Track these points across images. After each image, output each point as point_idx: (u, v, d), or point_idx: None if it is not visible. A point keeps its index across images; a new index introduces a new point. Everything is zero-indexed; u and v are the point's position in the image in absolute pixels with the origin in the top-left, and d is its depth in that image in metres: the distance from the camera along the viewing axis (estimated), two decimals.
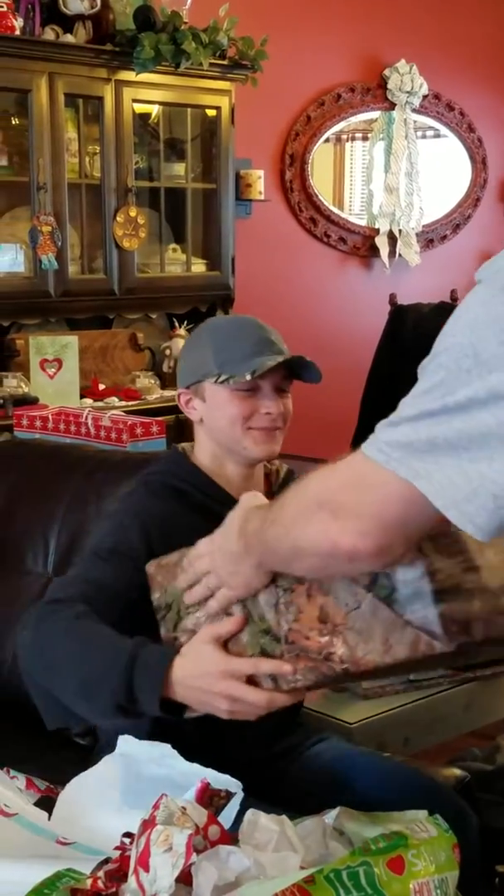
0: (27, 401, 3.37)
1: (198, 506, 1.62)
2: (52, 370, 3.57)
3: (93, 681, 1.40)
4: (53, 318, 3.77)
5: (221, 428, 1.62)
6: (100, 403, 3.57)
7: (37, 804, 1.64)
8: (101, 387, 3.74)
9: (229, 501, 1.56)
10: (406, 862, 1.09)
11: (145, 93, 3.82)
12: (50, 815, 1.55)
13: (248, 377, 1.56)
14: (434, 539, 1.16)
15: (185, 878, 1.15)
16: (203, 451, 1.67)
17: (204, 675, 1.33)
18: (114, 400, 3.63)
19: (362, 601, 1.20)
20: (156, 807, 1.24)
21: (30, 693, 1.52)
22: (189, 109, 4.01)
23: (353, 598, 1.21)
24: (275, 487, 1.70)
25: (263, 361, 1.56)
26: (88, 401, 3.61)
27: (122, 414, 2.76)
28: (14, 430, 2.88)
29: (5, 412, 3.35)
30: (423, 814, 1.21)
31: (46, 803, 1.64)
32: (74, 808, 1.52)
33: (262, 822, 1.24)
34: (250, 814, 1.26)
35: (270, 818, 1.25)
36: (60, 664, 1.44)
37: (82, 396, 3.64)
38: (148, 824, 1.22)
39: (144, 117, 4.00)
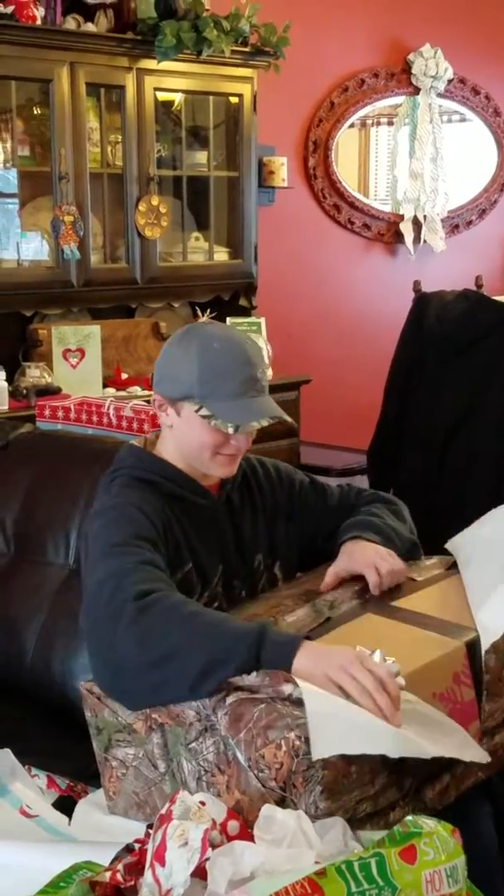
0: (50, 391, 3.38)
1: (169, 494, 1.70)
2: (75, 360, 3.58)
3: (220, 654, 1.40)
4: (76, 307, 3.77)
5: (189, 445, 1.69)
6: (122, 393, 3.57)
7: (56, 803, 1.66)
8: (124, 376, 3.74)
9: (198, 489, 1.72)
10: (418, 851, 1.09)
11: (167, 81, 3.81)
12: (69, 819, 1.57)
13: (231, 431, 1.63)
14: None
15: (200, 873, 1.16)
16: (168, 449, 1.74)
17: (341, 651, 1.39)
18: (136, 389, 3.63)
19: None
20: (172, 801, 1.24)
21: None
22: (211, 97, 3.99)
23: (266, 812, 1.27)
24: (237, 481, 1.78)
25: (248, 407, 1.62)
26: (111, 390, 3.61)
27: (144, 403, 2.76)
28: (36, 420, 2.89)
29: (28, 402, 3.36)
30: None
31: (66, 804, 1.66)
32: (92, 816, 1.54)
33: (278, 818, 1.24)
34: (266, 809, 1.26)
35: (287, 813, 1.25)
36: (181, 650, 1.41)
37: (105, 386, 3.64)
38: (164, 819, 1.23)
39: (167, 105, 3.98)
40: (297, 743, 1.29)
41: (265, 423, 1.65)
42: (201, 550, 1.70)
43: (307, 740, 1.28)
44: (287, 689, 1.35)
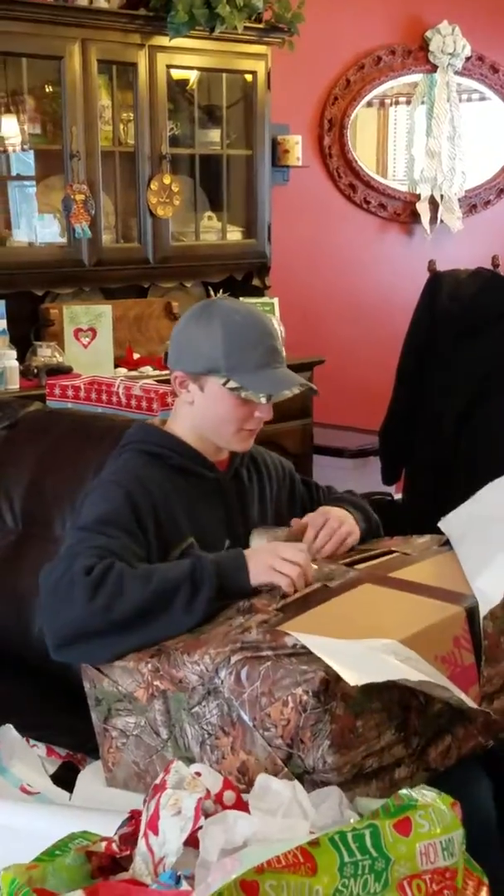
0: (61, 370, 3.37)
1: (176, 467, 1.74)
2: (87, 339, 3.57)
3: (180, 586, 1.51)
4: (88, 287, 3.76)
5: (212, 421, 1.72)
6: (134, 373, 3.57)
7: (59, 771, 1.66)
8: (136, 356, 3.74)
9: (205, 463, 1.75)
10: (413, 823, 1.08)
11: (180, 58, 3.78)
12: (70, 794, 1.57)
13: (264, 400, 1.66)
14: None
15: (192, 842, 1.16)
16: (181, 425, 1.76)
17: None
18: (148, 369, 3.62)
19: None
20: (167, 771, 1.24)
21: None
22: (224, 75, 3.96)
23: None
24: (245, 459, 1.82)
25: (275, 378, 1.66)
26: (122, 370, 3.61)
27: (154, 383, 2.76)
28: (46, 399, 2.89)
29: (39, 382, 3.36)
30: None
31: (68, 770, 1.66)
32: (93, 787, 1.55)
33: (273, 787, 1.24)
34: (262, 778, 1.26)
35: (283, 783, 1.25)
36: (141, 602, 1.50)
37: (116, 366, 3.63)
38: (158, 788, 1.23)
39: (182, 84, 3.95)
40: (305, 698, 1.30)
41: (296, 391, 1.68)
42: (206, 522, 1.72)
43: (315, 694, 1.29)
44: (289, 640, 1.37)
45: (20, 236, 3.65)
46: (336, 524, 1.73)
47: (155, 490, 1.68)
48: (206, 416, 1.72)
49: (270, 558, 1.54)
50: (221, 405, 1.69)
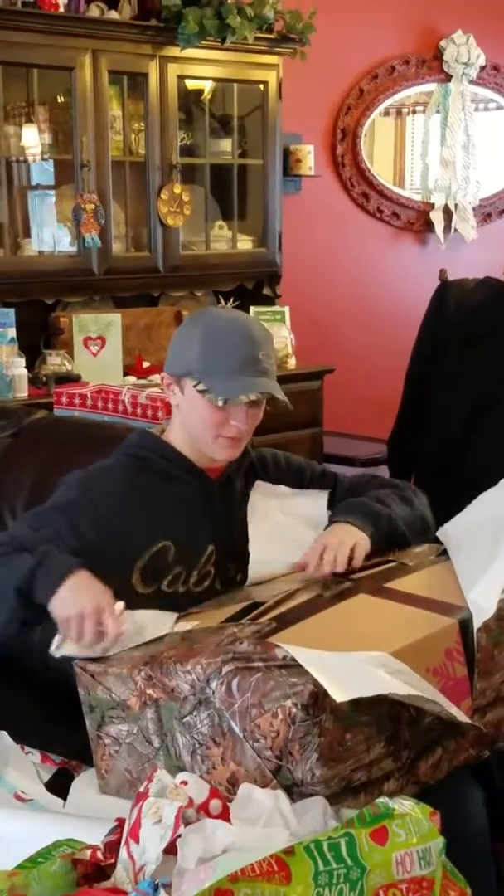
0: (69, 378, 3.39)
1: (158, 471, 1.75)
2: (96, 348, 3.59)
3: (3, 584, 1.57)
4: (97, 296, 3.78)
5: (193, 425, 1.73)
6: (143, 381, 3.58)
7: (54, 778, 1.66)
8: (145, 364, 3.75)
9: (191, 467, 1.75)
10: (390, 832, 1.08)
11: (191, 68, 3.80)
12: (64, 801, 1.57)
13: (220, 403, 1.65)
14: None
15: (173, 850, 1.15)
16: (175, 431, 1.78)
17: (100, 591, 1.54)
18: (157, 378, 3.63)
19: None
20: (150, 780, 1.24)
21: None
22: (236, 85, 3.98)
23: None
24: (241, 467, 1.80)
25: (243, 384, 1.65)
26: (132, 378, 3.62)
27: (161, 391, 2.76)
28: (54, 407, 2.91)
29: (47, 390, 3.38)
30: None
31: (63, 776, 1.66)
32: (87, 795, 1.55)
33: (255, 796, 1.23)
34: (245, 787, 1.26)
35: (265, 792, 1.25)
36: None
37: (126, 374, 3.65)
38: (141, 796, 1.23)
39: (196, 94, 3.97)
40: (294, 710, 1.29)
41: (253, 397, 1.66)
42: (185, 529, 1.71)
43: (304, 707, 1.28)
44: (279, 653, 1.36)
45: (35, 245, 3.67)
46: (335, 546, 1.68)
47: (115, 494, 1.71)
48: (186, 420, 1.73)
49: (84, 603, 1.53)
50: (197, 408, 1.69)
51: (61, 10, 3.44)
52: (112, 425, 2.47)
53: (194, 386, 1.67)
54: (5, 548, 1.64)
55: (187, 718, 1.42)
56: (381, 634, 1.46)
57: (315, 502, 1.83)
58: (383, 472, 3.83)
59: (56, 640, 1.57)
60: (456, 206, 5.04)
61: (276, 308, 4.11)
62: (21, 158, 3.59)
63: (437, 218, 5.01)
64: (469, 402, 3.05)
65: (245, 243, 4.13)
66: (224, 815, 1.28)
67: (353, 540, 1.69)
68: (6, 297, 3.51)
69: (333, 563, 1.65)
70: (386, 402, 3.76)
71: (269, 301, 4.17)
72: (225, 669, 1.37)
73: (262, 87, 4.01)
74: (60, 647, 1.56)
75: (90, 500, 1.71)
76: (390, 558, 1.74)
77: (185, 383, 1.70)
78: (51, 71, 3.56)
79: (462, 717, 1.41)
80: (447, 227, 5.04)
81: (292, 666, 1.33)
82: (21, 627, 1.61)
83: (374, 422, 4.14)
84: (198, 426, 1.71)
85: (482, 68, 5.00)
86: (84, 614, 1.52)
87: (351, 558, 1.67)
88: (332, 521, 1.77)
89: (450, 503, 2.92)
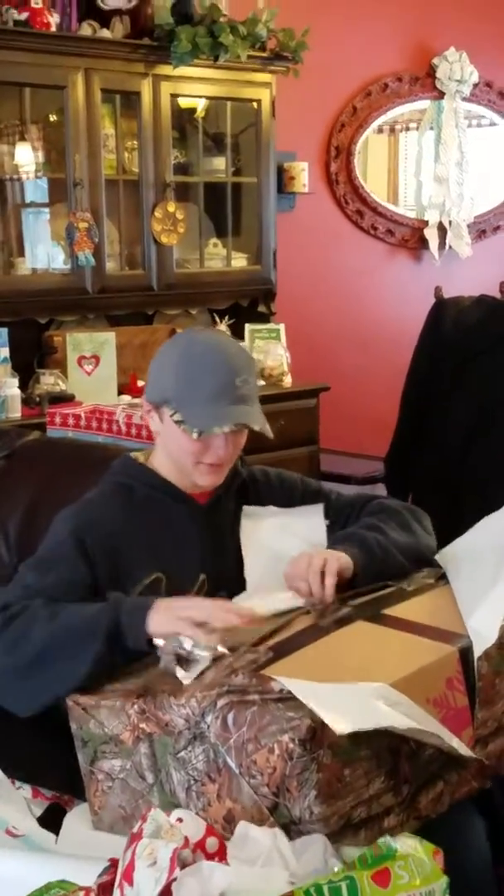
0: (63, 398, 3.37)
1: (143, 499, 1.72)
2: (90, 367, 3.57)
3: (79, 632, 1.49)
4: (91, 314, 3.76)
5: (174, 452, 1.69)
6: (137, 400, 3.55)
7: (46, 813, 1.62)
8: (140, 383, 3.72)
9: (177, 493, 1.72)
10: (392, 874, 1.05)
11: (184, 86, 3.79)
12: (57, 835, 1.54)
13: (195, 436, 1.62)
14: None
15: (168, 894, 1.12)
16: (158, 455, 1.74)
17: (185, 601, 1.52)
18: None
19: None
20: (144, 819, 1.20)
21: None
22: (229, 103, 3.97)
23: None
24: (231, 488, 1.76)
25: (219, 414, 1.61)
26: (126, 398, 3.59)
27: None
28: (47, 428, 2.87)
29: (41, 410, 3.35)
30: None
31: (55, 812, 1.63)
32: (80, 831, 1.51)
33: (252, 835, 1.20)
34: (241, 826, 1.22)
35: (263, 831, 1.21)
36: (41, 645, 1.51)
37: (120, 393, 3.62)
38: (135, 837, 1.19)
39: (190, 112, 3.96)
40: (291, 746, 1.26)
41: (227, 429, 1.62)
42: (174, 558, 1.68)
43: (301, 742, 1.25)
44: (276, 685, 1.32)
45: (29, 263, 3.65)
46: (305, 564, 1.63)
47: (109, 525, 1.67)
48: (167, 447, 1.70)
49: (178, 609, 1.49)
50: (175, 437, 1.66)
51: (53, 28, 3.43)
52: (106, 446, 2.43)
53: (171, 416, 1.64)
54: (29, 602, 1.55)
55: (182, 754, 1.38)
56: (379, 664, 1.42)
57: (311, 519, 1.79)
58: (380, 489, 3.82)
59: (166, 663, 1.45)
60: (450, 222, 5.04)
61: (272, 326, 4.09)
62: (15, 177, 3.57)
63: (431, 235, 5.00)
64: (467, 420, 3.04)
65: (240, 261, 4.11)
66: (221, 854, 1.25)
67: (331, 558, 1.62)
68: None
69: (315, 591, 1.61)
70: (382, 419, 3.74)
71: (265, 319, 4.15)
72: (220, 703, 1.34)
73: (255, 104, 4.00)
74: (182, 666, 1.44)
75: (83, 538, 1.66)
76: (388, 582, 1.71)
77: (163, 412, 1.66)
78: (43, 90, 3.54)
79: (464, 750, 1.37)
80: (442, 244, 5.03)
81: (289, 699, 1.30)
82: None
83: (370, 439, 4.12)
84: (178, 454, 1.68)
85: (475, 85, 5.00)
86: (190, 610, 1.48)
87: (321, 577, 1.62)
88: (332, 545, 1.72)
89: (450, 519, 2.90)
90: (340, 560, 1.63)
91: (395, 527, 1.76)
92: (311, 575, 1.60)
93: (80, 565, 1.62)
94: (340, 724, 1.22)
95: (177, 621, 1.46)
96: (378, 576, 1.68)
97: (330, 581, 1.60)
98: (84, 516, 1.70)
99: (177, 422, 1.63)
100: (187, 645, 1.44)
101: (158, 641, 1.47)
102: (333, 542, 1.74)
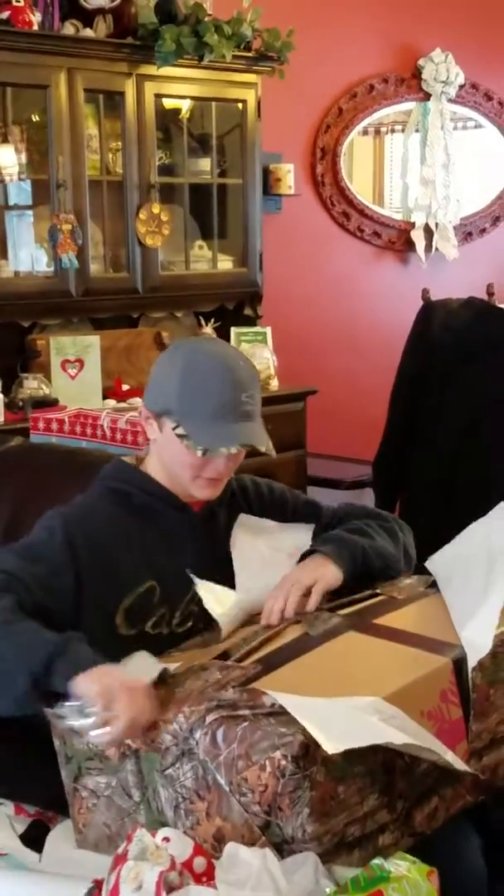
0: (47, 402, 3.31)
1: (139, 506, 1.67)
2: (74, 371, 3.52)
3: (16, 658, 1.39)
4: (75, 317, 3.71)
5: (171, 464, 1.64)
6: (122, 404, 3.50)
7: (29, 830, 1.58)
8: (125, 387, 3.67)
9: (174, 501, 1.67)
10: None
11: (168, 87, 3.75)
12: (40, 854, 1.49)
13: (199, 454, 1.57)
14: None
15: None
16: (153, 461, 1.70)
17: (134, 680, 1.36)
18: (137, 401, 3.55)
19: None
20: (129, 840, 1.16)
21: None
22: (214, 103, 3.93)
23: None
24: (224, 498, 1.72)
25: (224, 433, 1.56)
26: (111, 402, 3.55)
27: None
28: (30, 433, 2.83)
29: (24, 414, 3.30)
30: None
31: (38, 829, 1.58)
32: (64, 849, 1.47)
33: (241, 856, 1.16)
34: (230, 847, 1.18)
35: (252, 852, 1.17)
36: None
37: (105, 397, 3.57)
38: (120, 859, 1.15)
39: (174, 113, 3.92)
40: (283, 763, 1.22)
41: (234, 450, 1.58)
42: (168, 567, 1.64)
43: (294, 759, 1.21)
44: (267, 700, 1.28)
45: (12, 266, 3.60)
46: (287, 589, 1.59)
47: (101, 529, 1.62)
48: (164, 457, 1.66)
49: (111, 682, 1.35)
50: (174, 449, 1.61)
51: (35, 27, 3.37)
52: (90, 452, 2.39)
53: (173, 428, 1.59)
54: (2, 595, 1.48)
55: (169, 771, 1.34)
56: (372, 677, 1.39)
57: (301, 537, 1.75)
58: (368, 494, 3.78)
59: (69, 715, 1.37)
60: (437, 224, 5.02)
61: (258, 329, 4.05)
62: (10, 178, 3.51)
63: (417, 237, 4.97)
64: (457, 423, 3.00)
65: (225, 263, 4.07)
66: (209, 874, 1.21)
67: (311, 578, 1.60)
68: None
69: (282, 612, 1.57)
70: (370, 422, 3.71)
71: (251, 322, 4.11)
72: (209, 718, 1.29)
73: (240, 105, 3.96)
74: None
75: (73, 540, 1.60)
76: (378, 591, 1.67)
77: (163, 422, 1.62)
78: (26, 90, 3.49)
79: (460, 764, 1.34)
80: (428, 246, 5.01)
81: (281, 714, 1.26)
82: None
83: (358, 443, 4.08)
84: (177, 466, 1.64)
85: (461, 87, 4.98)
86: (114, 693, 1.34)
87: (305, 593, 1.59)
88: (308, 552, 1.69)
89: (441, 523, 2.87)
90: (331, 582, 1.62)
91: (380, 531, 1.75)
92: (294, 595, 1.57)
93: (64, 570, 1.56)
94: (332, 743, 1.18)
95: (98, 697, 1.34)
96: (360, 578, 1.66)
97: (314, 599, 1.59)
98: (75, 517, 1.64)
99: (179, 436, 1.59)
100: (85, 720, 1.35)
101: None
102: (320, 541, 1.71)
